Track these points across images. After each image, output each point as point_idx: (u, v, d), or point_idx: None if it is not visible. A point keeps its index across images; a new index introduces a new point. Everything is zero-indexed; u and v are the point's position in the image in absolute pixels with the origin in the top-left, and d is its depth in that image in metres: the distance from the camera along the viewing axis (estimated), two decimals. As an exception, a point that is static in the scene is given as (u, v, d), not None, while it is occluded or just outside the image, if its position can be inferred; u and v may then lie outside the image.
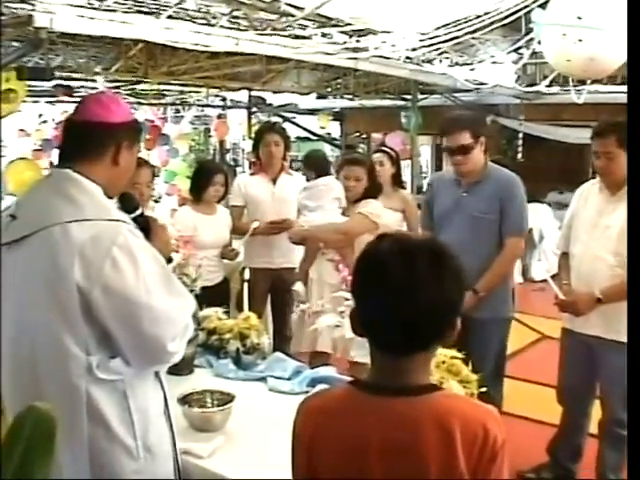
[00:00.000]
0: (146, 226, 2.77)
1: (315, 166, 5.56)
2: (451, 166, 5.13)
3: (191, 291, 4.02)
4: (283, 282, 6.08)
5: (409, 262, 1.89)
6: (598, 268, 4.38)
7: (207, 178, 6.05)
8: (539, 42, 5.25)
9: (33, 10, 5.50)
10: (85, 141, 2.58)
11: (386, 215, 5.47)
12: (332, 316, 3.90)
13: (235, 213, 6.30)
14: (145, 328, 2.37)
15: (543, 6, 4.90)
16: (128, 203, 2.83)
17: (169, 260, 2.85)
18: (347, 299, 3.82)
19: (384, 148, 6.93)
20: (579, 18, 4.34)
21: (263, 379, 3.86)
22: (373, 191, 5.38)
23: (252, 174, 6.47)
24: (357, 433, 1.96)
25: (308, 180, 5.55)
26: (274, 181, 6.26)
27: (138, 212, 2.82)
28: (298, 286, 5.35)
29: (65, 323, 2.33)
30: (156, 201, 17.21)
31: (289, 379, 3.83)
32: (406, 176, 12.47)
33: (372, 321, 1.97)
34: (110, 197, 2.61)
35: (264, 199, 6.21)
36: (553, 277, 4.94)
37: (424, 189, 16.84)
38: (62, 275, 2.31)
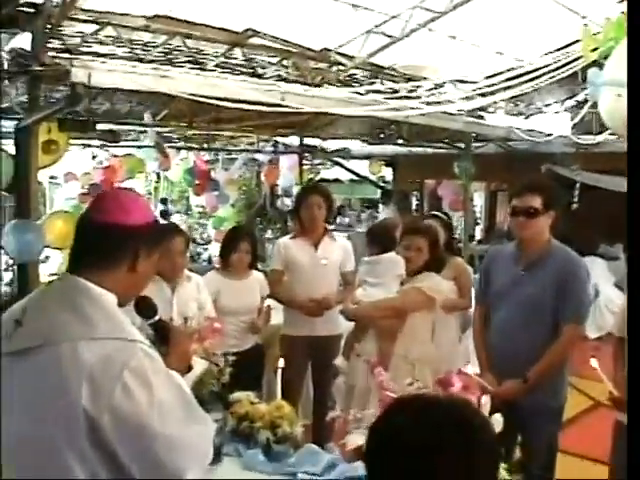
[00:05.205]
0: (164, 333, 2.55)
1: (381, 241, 5.30)
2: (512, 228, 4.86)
3: (217, 380, 3.86)
4: (325, 351, 5.86)
5: (433, 438, 1.62)
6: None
7: (232, 245, 5.95)
8: (593, 103, 4.97)
9: (72, 64, 5.37)
10: (100, 245, 2.35)
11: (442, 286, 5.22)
12: (363, 432, 3.61)
13: (273, 277, 6.12)
14: (160, 459, 2.13)
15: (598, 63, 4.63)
16: (145, 309, 2.61)
17: (189, 369, 2.62)
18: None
19: (437, 213, 6.71)
20: (636, 77, 4.04)
21: (293, 474, 3.61)
22: (434, 264, 5.14)
23: (293, 237, 6.24)
24: None
25: (372, 254, 5.29)
26: (316, 245, 6.05)
27: (156, 318, 2.60)
28: (339, 361, 5.12)
29: (71, 447, 2.08)
30: (206, 243, 17.29)
31: (321, 475, 3.57)
32: (459, 226, 12.22)
33: None
34: (122, 305, 2.36)
35: (305, 264, 6.01)
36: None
37: (477, 238, 16.64)
38: (68, 398, 2.07)
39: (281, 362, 4.18)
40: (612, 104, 4.22)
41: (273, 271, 6.17)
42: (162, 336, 2.56)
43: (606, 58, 4.40)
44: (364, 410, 4.62)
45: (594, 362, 4.07)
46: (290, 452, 3.76)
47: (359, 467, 3.56)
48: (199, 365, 3.04)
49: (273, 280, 6.09)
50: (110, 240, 2.34)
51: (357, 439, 3.50)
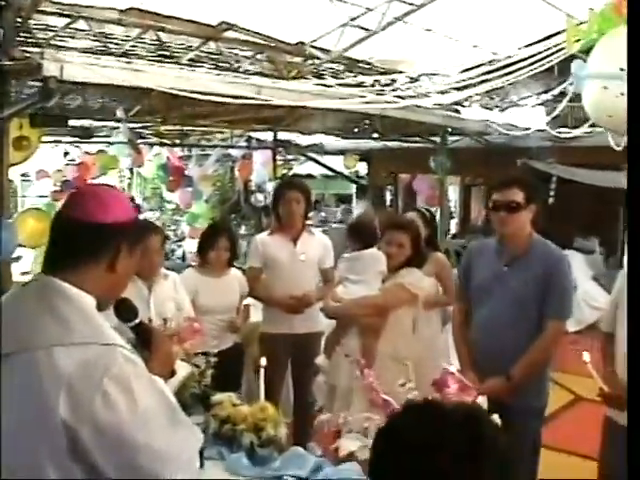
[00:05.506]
0: (146, 337, 2.44)
1: (362, 237, 5.15)
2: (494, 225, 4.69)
3: (199, 382, 3.75)
4: (306, 349, 5.77)
5: (440, 444, 1.52)
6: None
7: (210, 242, 5.83)
8: (574, 94, 4.88)
9: (42, 57, 5.25)
10: (77, 244, 2.21)
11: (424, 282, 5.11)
12: (356, 437, 3.50)
13: (251, 274, 6.00)
14: (145, 470, 2.00)
15: (576, 57, 4.56)
16: (126, 312, 2.49)
17: (172, 374, 2.51)
18: (370, 418, 3.44)
19: (419, 207, 6.63)
20: (622, 70, 3.95)
21: (279, 477, 3.48)
22: (416, 260, 5.04)
23: (271, 233, 6.10)
24: None
25: (353, 250, 5.18)
26: (294, 241, 5.92)
27: (137, 321, 2.48)
28: (321, 359, 5.01)
29: (50, 460, 1.96)
30: (179, 240, 17.15)
31: (307, 478, 3.45)
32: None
33: None
34: (101, 309, 2.23)
35: (284, 260, 5.88)
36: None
37: (452, 232, 16.60)
38: (46, 408, 1.94)
39: (263, 361, 4.02)
40: (597, 96, 4.13)
41: (251, 268, 6.02)
42: (144, 340, 2.45)
43: (588, 51, 4.33)
44: (348, 410, 4.55)
45: (586, 356, 3.99)
46: (275, 455, 3.63)
47: (346, 470, 3.47)
48: (182, 369, 2.94)
49: (251, 277, 5.97)
50: (88, 239, 2.21)
51: (349, 444, 3.39)
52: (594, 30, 4.31)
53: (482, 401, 3.20)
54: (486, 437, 1.58)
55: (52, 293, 2.13)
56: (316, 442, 5.55)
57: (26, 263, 10.73)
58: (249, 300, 6.16)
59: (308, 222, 6.23)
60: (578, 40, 4.47)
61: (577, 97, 5.59)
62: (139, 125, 12.29)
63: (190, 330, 4.23)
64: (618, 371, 4.11)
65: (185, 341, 4.04)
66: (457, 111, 9.92)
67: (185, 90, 5.96)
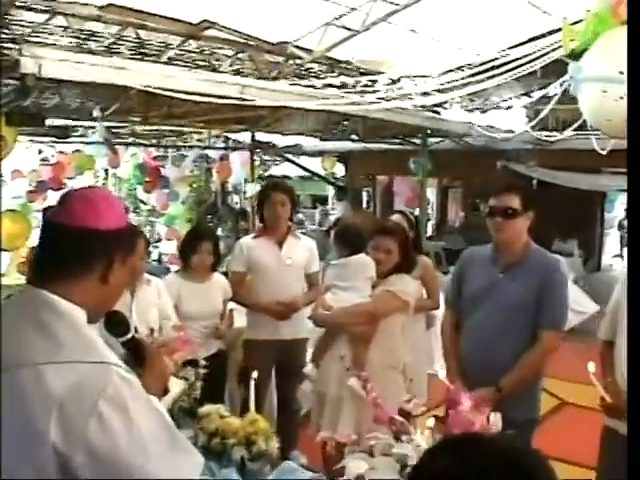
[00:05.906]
0: (138, 352, 2.30)
1: (350, 243, 4.98)
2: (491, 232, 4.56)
3: (188, 395, 3.61)
4: (292, 355, 5.65)
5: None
6: (649, 363, 3.78)
7: (193, 245, 5.67)
8: (571, 96, 4.79)
9: (20, 54, 5.09)
10: (67, 252, 2.05)
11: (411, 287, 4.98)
12: (360, 457, 3.34)
13: (235, 279, 5.82)
14: None
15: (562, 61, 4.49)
16: (117, 326, 2.35)
17: (165, 391, 2.37)
18: (377, 436, 3.29)
19: (403, 210, 6.50)
20: (621, 73, 3.85)
21: (271, 492, 3.35)
22: (405, 265, 4.89)
23: (255, 237, 5.94)
24: None
25: (340, 256, 5.01)
26: (280, 244, 5.75)
27: (129, 336, 2.34)
28: (309, 369, 4.86)
29: None
30: (156, 242, 16.96)
31: (301, 493, 3.32)
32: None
33: None
34: (92, 322, 2.08)
35: (269, 264, 5.71)
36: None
37: (429, 233, 16.55)
38: (35, 433, 1.80)
39: (255, 374, 3.86)
40: (596, 100, 4.04)
41: (234, 273, 5.85)
42: (136, 356, 2.31)
43: (577, 54, 4.24)
44: (338, 417, 4.42)
45: (591, 366, 3.86)
46: (266, 470, 3.50)
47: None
48: (176, 386, 2.80)
49: (235, 282, 5.80)
50: (80, 246, 2.06)
51: (356, 466, 3.23)
52: (590, 31, 4.22)
53: (496, 418, 3.07)
54: (531, 471, 1.46)
55: (40, 307, 1.98)
56: (300, 451, 5.42)
57: (2, 265, 10.54)
58: (232, 305, 6.00)
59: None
60: (573, 40, 4.39)
61: (558, 99, 5.49)
62: (116, 124, 12.12)
63: (180, 341, 4.08)
64: (619, 379, 4.00)
65: (175, 352, 3.90)
66: (437, 112, 9.85)
67: (167, 89, 5.82)
